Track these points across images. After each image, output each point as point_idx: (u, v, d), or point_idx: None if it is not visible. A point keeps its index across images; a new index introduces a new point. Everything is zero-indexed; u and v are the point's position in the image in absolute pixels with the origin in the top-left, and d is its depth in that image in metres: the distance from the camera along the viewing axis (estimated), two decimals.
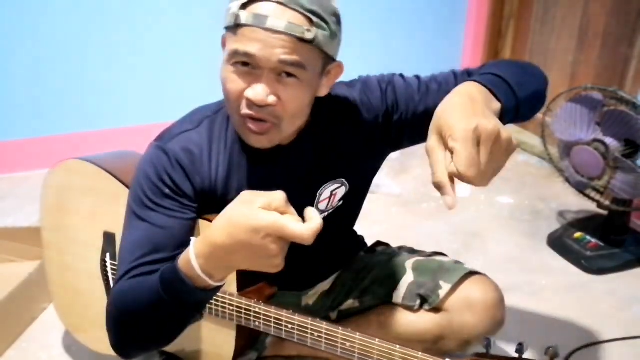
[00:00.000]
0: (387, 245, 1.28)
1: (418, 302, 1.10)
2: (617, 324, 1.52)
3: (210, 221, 0.92)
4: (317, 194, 1.04)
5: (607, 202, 1.75)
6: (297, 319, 0.89)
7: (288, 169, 1.00)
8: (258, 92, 0.84)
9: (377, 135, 1.04)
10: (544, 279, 1.72)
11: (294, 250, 1.09)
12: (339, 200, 1.09)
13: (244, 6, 0.83)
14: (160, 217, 0.92)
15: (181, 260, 0.77)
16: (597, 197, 1.76)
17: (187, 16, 2.39)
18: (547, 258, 1.82)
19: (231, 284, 0.96)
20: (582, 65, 2.29)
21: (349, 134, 1.03)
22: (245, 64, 0.84)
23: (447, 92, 0.83)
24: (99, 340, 1.23)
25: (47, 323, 1.56)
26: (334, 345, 0.87)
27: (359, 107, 1.03)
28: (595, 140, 1.62)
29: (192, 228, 0.95)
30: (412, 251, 1.21)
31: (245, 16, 0.82)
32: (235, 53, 0.84)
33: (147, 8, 2.34)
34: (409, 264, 1.13)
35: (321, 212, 1.07)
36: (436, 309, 1.09)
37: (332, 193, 1.06)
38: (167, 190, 0.93)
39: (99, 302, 1.19)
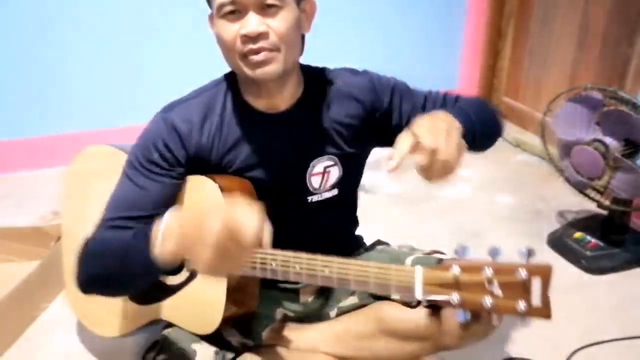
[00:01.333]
0: (386, 244, 1.29)
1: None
2: (617, 324, 1.52)
3: (213, 179, 1.01)
4: (310, 165, 1.08)
5: (607, 202, 1.75)
6: (280, 254, 0.91)
7: (284, 134, 1.06)
8: (249, 25, 0.92)
9: (370, 126, 1.12)
10: None
11: (294, 227, 1.10)
12: (333, 187, 1.12)
13: None
14: (144, 180, 1.01)
15: (152, 233, 0.84)
16: (597, 197, 1.76)
17: (188, 16, 2.39)
18: (547, 258, 1.80)
19: None
20: (582, 65, 2.29)
21: (344, 115, 1.09)
22: (232, 13, 0.93)
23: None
24: (107, 324, 1.28)
25: (47, 323, 1.56)
26: (314, 274, 0.88)
27: (359, 93, 1.10)
28: (595, 140, 1.62)
29: (172, 192, 1.03)
30: (412, 249, 1.21)
31: None
32: (221, 6, 0.93)
33: (147, 8, 2.34)
34: (409, 261, 1.13)
35: (315, 190, 1.10)
36: (433, 306, 1.09)
37: (325, 170, 1.10)
38: (155, 156, 1.01)
39: None
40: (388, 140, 1.11)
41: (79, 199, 1.32)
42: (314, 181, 1.10)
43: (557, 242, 1.86)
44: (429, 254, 1.16)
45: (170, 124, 1.02)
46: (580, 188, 1.76)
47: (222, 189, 1.00)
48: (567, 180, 1.79)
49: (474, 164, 2.47)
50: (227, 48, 0.96)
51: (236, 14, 0.93)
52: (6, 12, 2.21)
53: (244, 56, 0.94)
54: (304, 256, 0.89)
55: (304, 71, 1.08)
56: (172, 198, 1.04)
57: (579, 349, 1.43)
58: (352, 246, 1.26)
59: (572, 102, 1.65)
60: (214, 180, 1.01)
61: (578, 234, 1.83)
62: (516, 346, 1.43)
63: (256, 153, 1.05)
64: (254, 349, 1.11)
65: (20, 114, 2.38)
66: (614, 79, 2.13)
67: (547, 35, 2.45)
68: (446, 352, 1.10)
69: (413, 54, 2.78)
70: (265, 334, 1.15)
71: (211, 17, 0.99)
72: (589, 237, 1.80)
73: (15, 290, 1.47)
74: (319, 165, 1.09)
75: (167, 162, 1.02)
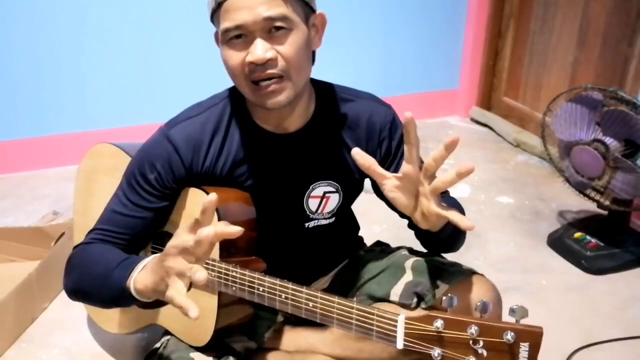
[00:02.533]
0: (386, 245, 1.28)
1: (415, 300, 1.10)
2: (617, 324, 1.52)
3: (206, 191, 1.00)
4: (310, 187, 1.07)
5: (607, 202, 1.75)
6: (268, 280, 0.90)
7: (289, 155, 1.04)
8: (256, 52, 0.88)
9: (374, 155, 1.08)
10: (544, 279, 1.72)
11: (290, 248, 1.09)
12: (331, 215, 1.11)
13: None
14: (137, 199, 1.01)
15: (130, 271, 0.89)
16: (597, 197, 1.75)
17: (188, 16, 2.39)
18: (547, 258, 1.82)
19: (214, 252, 0.97)
20: (582, 65, 2.29)
21: (360, 144, 1.06)
22: (237, 37, 0.90)
23: None
24: (113, 320, 1.30)
25: (47, 323, 1.56)
26: (298, 305, 0.88)
27: (381, 127, 1.08)
28: (595, 140, 1.62)
29: (163, 213, 1.04)
30: (412, 251, 1.21)
31: None
32: (226, 31, 0.89)
33: (147, 8, 2.34)
34: (408, 263, 1.13)
35: (312, 213, 1.09)
36: (432, 308, 1.09)
37: (325, 195, 1.09)
38: (152, 176, 1.00)
39: None
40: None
41: (88, 195, 1.33)
42: (311, 204, 1.09)
43: (557, 242, 1.86)
44: (428, 255, 1.16)
45: (173, 143, 0.99)
46: (580, 188, 1.76)
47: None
48: (567, 180, 1.79)
49: (474, 164, 2.47)
50: (235, 75, 0.93)
51: (242, 38, 0.89)
52: (6, 13, 2.21)
53: (254, 82, 0.92)
54: (289, 286, 0.88)
55: (317, 88, 1.05)
56: (163, 218, 1.04)
57: (579, 349, 1.43)
58: (351, 249, 1.26)
59: (572, 102, 1.65)
60: (206, 192, 0.99)
61: (578, 234, 1.83)
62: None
63: (259, 172, 1.04)
64: (255, 353, 1.11)
65: (20, 114, 2.38)
66: (614, 79, 2.13)
67: (547, 35, 2.45)
68: None
69: (413, 54, 2.79)
70: (267, 335, 1.15)
71: (217, 36, 0.96)
72: (589, 237, 1.80)
73: (15, 290, 1.47)
74: (318, 189, 1.08)
75: (163, 183, 1.00)
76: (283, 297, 0.89)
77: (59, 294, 1.64)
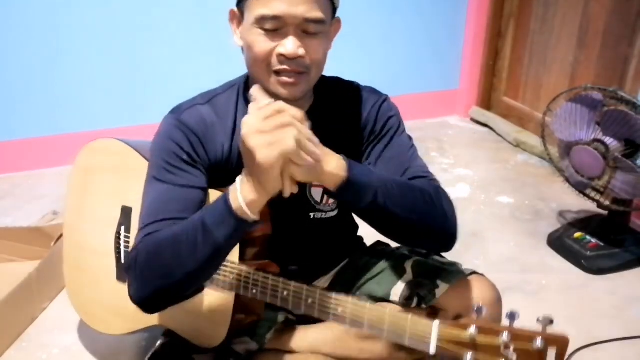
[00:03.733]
0: (386, 245, 1.28)
1: (415, 300, 1.10)
2: (617, 324, 1.52)
3: (221, 191, 0.96)
4: None
5: (607, 202, 1.75)
6: (294, 284, 0.91)
7: None
8: (290, 47, 0.90)
9: (361, 143, 1.09)
10: (544, 279, 1.72)
11: (295, 240, 1.09)
12: (335, 207, 1.12)
13: None
14: (180, 179, 0.97)
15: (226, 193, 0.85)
16: (597, 197, 1.76)
17: (188, 16, 2.39)
18: (547, 258, 1.82)
19: (233, 254, 0.98)
20: (582, 65, 2.29)
21: (350, 128, 1.07)
22: (271, 26, 0.90)
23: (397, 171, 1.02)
24: (105, 321, 1.27)
25: (47, 323, 1.56)
26: (326, 310, 0.89)
27: (365, 111, 1.08)
28: (595, 140, 1.62)
29: (206, 194, 0.99)
30: (412, 251, 1.21)
31: None
32: (262, 18, 0.90)
33: (148, 9, 2.34)
34: (409, 263, 1.13)
35: (316, 204, 1.09)
36: (432, 308, 1.09)
37: None
38: (185, 156, 0.98)
39: (107, 281, 1.22)
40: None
41: (82, 193, 1.31)
42: (315, 194, 1.09)
43: (557, 242, 1.86)
44: (428, 255, 1.16)
45: (188, 126, 1.00)
46: (580, 188, 1.76)
47: None
48: (567, 180, 1.79)
49: (474, 164, 2.47)
50: (258, 60, 0.94)
51: (275, 28, 0.91)
52: (6, 13, 2.20)
53: (275, 72, 0.93)
54: (318, 291, 0.89)
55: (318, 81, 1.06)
56: (206, 191, 1.00)
57: (579, 349, 1.43)
58: (351, 248, 1.26)
59: (572, 102, 1.65)
60: (220, 191, 0.99)
61: (578, 234, 1.83)
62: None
63: None
64: (256, 354, 1.11)
65: (20, 114, 2.38)
66: (614, 79, 2.13)
67: (547, 35, 2.45)
68: None
69: (414, 54, 2.79)
70: (268, 336, 1.15)
71: (233, 14, 0.97)
72: (589, 237, 1.80)
73: (15, 290, 1.47)
74: None
75: (197, 160, 1.00)
76: (310, 301, 0.89)
77: (59, 294, 1.64)
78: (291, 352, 1.17)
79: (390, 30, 2.70)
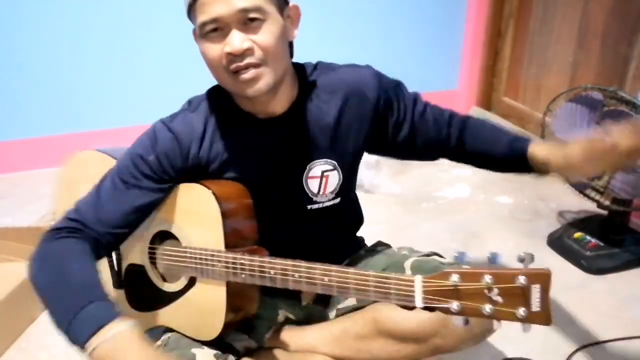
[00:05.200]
0: (387, 245, 1.29)
1: None
2: (617, 324, 1.52)
3: (205, 185, 1.00)
4: (307, 167, 1.07)
5: (607, 202, 1.75)
6: (279, 261, 0.92)
7: (281, 138, 1.05)
8: (232, 43, 0.91)
9: (376, 127, 1.10)
10: None
11: (295, 233, 1.09)
12: (335, 196, 1.11)
13: None
14: (130, 186, 0.99)
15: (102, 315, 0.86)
16: (597, 197, 1.75)
17: (180, 18, 2.39)
18: (547, 258, 1.82)
19: (219, 243, 0.99)
20: (582, 65, 2.29)
21: (349, 114, 1.07)
22: (214, 30, 0.92)
23: (438, 128, 1.15)
24: None
25: (47, 323, 1.55)
26: (313, 282, 0.89)
27: (367, 90, 1.07)
28: None
29: (152, 204, 1.02)
30: (412, 251, 1.21)
31: None
32: (203, 25, 0.92)
33: (147, 9, 2.34)
34: (408, 263, 1.13)
35: (314, 195, 1.09)
36: (431, 307, 1.09)
37: (323, 174, 1.08)
38: (151, 158, 0.99)
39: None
40: (381, 145, 1.13)
41: (69, 201, 1.29)
42: (312, 185, 1.08)
43: (557, 242, 1.86)
44: (427, 255, 1.16)
45: (173, 132, 1.00)
46: (580, 188, 1.76)
47: (216, 196, 0.99)
48: (567, 180, 1.79)
49: None
50: (214, 67, 0.95)
51: (219, 31, 0.92)
52: (6, 13, 2.21)
53: (233, 73, 0.93)
54: (303, 265, 0.89)
55: (297, 70, 1.06)
56: (150, 209, 1.03)
57: (579, 349, 1.43)
58: (353, 248, 1.26)
59: (572, 102, 1.65)
60: (208, 187, 1.00)
61: (578, 234, 1.83)
62: (516, 346, 1.43)
63: (254, 160, 1.05)
64: (255, 352, 1.11)
65: (20, 114, 2.38)
66: (614, 79, 2.13)
67: (547, 35, 2.45)
68: (445, 354, 1.10)
69: (413, 54, 2.79)
70: (267, 335, 1.15)
71: (195, 32, 0.97)
72: (589, 237, 1.80)
73: (15, 290, 1.47)
74: (316, 169, 1.07)
75: (161, 166, 1.00)
76: (297, 275, 0.90)
77: None
78: (290, 351, 1.17)
79: (390, 30, 2.70)
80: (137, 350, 0.82)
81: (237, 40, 0.90)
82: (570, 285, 1.69)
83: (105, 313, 0.85)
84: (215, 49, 0.92)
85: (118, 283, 1.18)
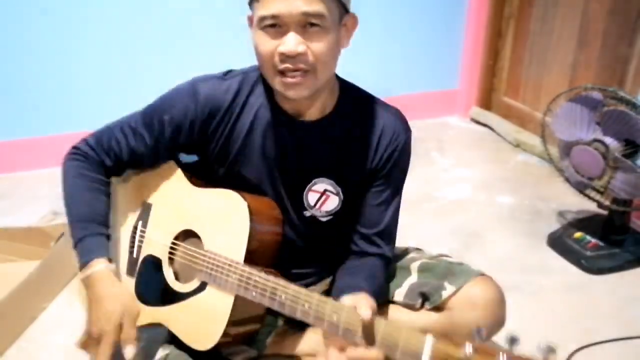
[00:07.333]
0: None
1: (419, 300, 1.10)
2: (617, 324, 1.52)
3: (242, 195, 1.02)
4: (313, 180, 1.07)
5: (607, 202, 1.75)
6: (292, 288, 0.91)
7: (300, 141, 1.05)
8: (288, 44, 0.91)
9: (373, 169, 1.10)
10: (544, 279, 1.72)
11: (291, 233, 1.08)
12: (328, 214, 1.11)
13: None
14: (143, 135, 1.08)
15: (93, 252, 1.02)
16: (597, 197, 1.76)
17: (187, 16, 2.39)
18: (547, 258, 1.82)
19: (238, 255, 0.99)
20: (582, 65, 2.29)
21: (362, 146, 1.06)
22: (272, 26, 0.91)
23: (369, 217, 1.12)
24: None
25: (47, 323, 1.56)
26: (321, 318, 0.88)
27: (385, 135, 1.07)
28: (595, 140, 1.62)
29: (155, 154, 1.09)
30: (419, 252, 1.21)
31: None
32: (262, 19, 0.91)
33: (148, 9, 2.34)
34: (414, 265, 1.13)
35: (309, 206, 1.09)
36: (437, 308, 1.09)
37: (325, 193, 1.08)
38: (167, 117, 1.04)
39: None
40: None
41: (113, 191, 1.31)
42: (310, 198, 1.09)
43: (557, 242, 1.86)
44: (435, 257, 1.16)
45: (196, 95, 1.02)
46: (580, 188, 1.76)
47: (250, 209, 1.00)
48: (567, 180, 1.79)
49: (474, 164, 2.47)
50: (263, 60, 0.95)
51: (276, 28, 0.91)
52: (6, 13, 2.20)
53: (280, 72, 0.94)
54: (315, 297, 0.88)
55: (342, 87, 1.07)
56: (158, 157, 1.10)
57: (579, 349, 1.43)
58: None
59: (572, 102, 1.65)
60: (245, 199, 1.00)
61: (578, 234, 1.83)
62: (515, 346, 1.42)
63: (268, 150, 1.05)
64: None
65: (20, 114, 2.38)
66: (614, 79, 2.13)
67: (547, 35, 2.45)
68: None
69: (413, 54, 2.78)
70: (269, 341, 1.14)
71: (250, 19, 0.97)
72: (589, 237, 1.80)
73: (15, 290, 1.47)
74: (320, 185, 1.08)
75: (172, 126, 1.04)
76: (306, 306, 0.89)
77: (59, 294, 1.64)
78: (292, 356, 1.16)
79: (390, 30, 2.70)
80: (109, 286, 0.99)
81: (293, 42, 0.90)
82: (570, 285, 1.69)
83: (94, 248, 1.02)
84: (270, 45, 0.92)
85: (131, 271, 1.17)
